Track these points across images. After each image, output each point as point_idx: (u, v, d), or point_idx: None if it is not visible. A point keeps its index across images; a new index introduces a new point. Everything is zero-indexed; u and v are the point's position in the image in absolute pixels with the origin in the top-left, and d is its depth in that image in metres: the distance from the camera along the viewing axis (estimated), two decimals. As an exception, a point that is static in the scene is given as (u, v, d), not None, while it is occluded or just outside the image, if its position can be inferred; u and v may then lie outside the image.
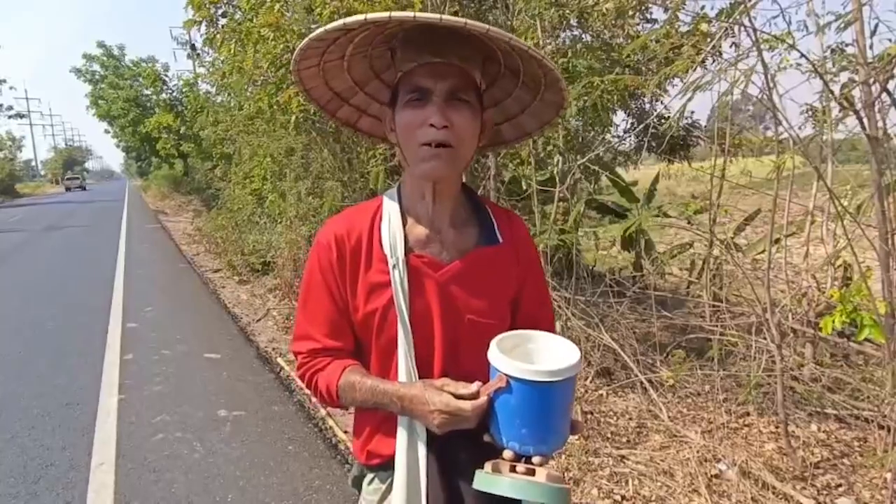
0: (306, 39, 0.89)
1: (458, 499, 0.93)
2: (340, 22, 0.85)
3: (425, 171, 0.92)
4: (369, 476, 1.05)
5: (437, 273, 0.96)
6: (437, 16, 0.83)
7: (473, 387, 0.87)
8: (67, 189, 47.54)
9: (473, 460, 0.88)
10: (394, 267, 0.94)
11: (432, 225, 0.99)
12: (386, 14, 0.83)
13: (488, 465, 0.84)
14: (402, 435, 0.94)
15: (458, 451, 0.93)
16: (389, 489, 0.99)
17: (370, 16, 0.83)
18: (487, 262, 1.00)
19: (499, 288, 1.01)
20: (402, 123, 0.93)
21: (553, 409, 0.83)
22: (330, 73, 1.01)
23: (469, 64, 0.92)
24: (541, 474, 0.81)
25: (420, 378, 0.94)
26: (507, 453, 0.84)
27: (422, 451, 0.93)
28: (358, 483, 1.08)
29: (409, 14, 0.83)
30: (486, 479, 0.82)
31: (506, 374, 0.82)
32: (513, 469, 0.83)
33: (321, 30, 0.86)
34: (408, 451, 0.93)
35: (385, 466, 1.00)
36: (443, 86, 0.90)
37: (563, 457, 2.49)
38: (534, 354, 0.89)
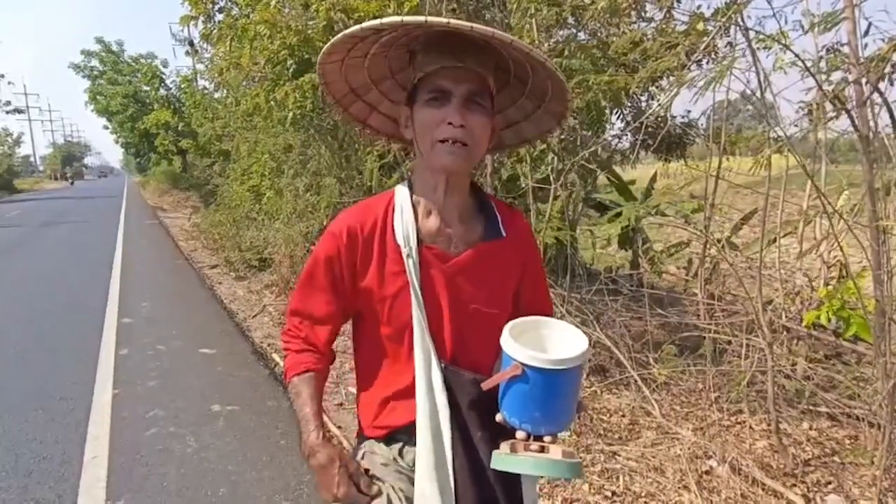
0: (339, 35, 0.95)
1: (480, 470, 0.98)
2: (378, 21, 0.91)
3: (443, 165, 0.98)
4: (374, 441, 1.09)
5: (445, 265, 1.02)
6: (469, 24, 0.88)
7: (375, 489, 0.98)
8: (99, 177, 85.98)
9: (487, 437, 0.97)
10: (408, 256, 1.00)
11: (442, 217, 1.04)
12: (422, 18, 0.90)
13: (504, 446, 0.88)
14: (422, 406, 0.99)
15: (476, 428, 0.99)
16: (405, 447, 1.05)
17: (406, 18, 0.90)
18: (492, 256, 1.05)
19: (502, 279, 1.07)
20: (421, 120, 0.98)
21: (564, 393, 0.88)
22: (350, 68, 1.07)
23: (485, 70, 0.98)
24: (555, 451, 0.86)
25: (436, 356, 1.00)
26: (521, 434, 0.88)
27: (444, 422, 0.98)
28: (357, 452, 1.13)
29: (443, 20, 0.89)
30: (504, 459, 0.87)
31: (521, 363, 0.85)
32: (527, 448, 0.87)
33: (356, 27, 0.92)
34: (430, 420, 0.98)
35: (397, 432, 1.06)
36: (462, 89, 0.96)
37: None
38: (545, 341, 0.93)
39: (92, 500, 2.38)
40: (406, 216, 1.03)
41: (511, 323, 0.93)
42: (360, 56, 1.04)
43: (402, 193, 1.06)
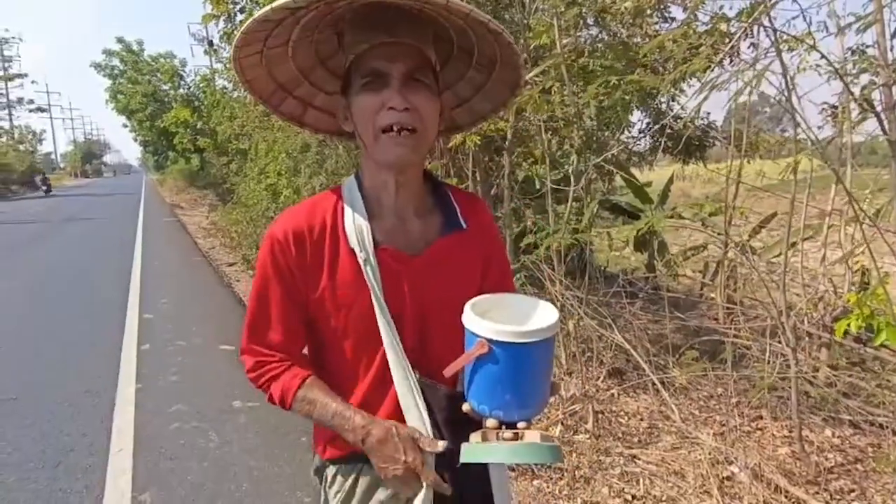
0: (249, 21, 0.82)
1: (454, 485, 0.90)
2: None
3: (390, 160, 0.88)
4: (331, 469, 1.02)
5: (404, 266, 0.93)
6: None
7: (441, 445, 0.86)
8: (126, 174, 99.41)
9: (455, 434, 0.86)
10: (365, 262, 0.90)
11: (397, 215, 0.95)
12: None
13: (475, 436, 0.79)
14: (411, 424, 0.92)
15: (451, 443, 0.90)
16: (354, 486, 0.98)
17: None
18: (453, 250, 0.97)
19: (465, 274, 1.00)
20: (358, 109, 0.88)
21: (536, 370, 0.79)
22: (273, 60, 0.95)
23: (422, 43, 0.88)
24: (532, 436, 0.77)
25: (410, 370, 0.92)
26: (491, 422, 0.79)
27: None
28: (319, 473, 1.07)
29: None
30: (474, 450, 0.77)
31: (486, 339, 0.76)
32: (500, 436, 0.78)
33: (267, 8, 0.79)
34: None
35: (346, 460, 0.98)
36: (399, 67, 0.85)
37: (574, 455, 2.50)
38: (510, 316, 0.83)
39: (118, 491, 2.43)
40: (358, 216, 0.92)
41: (473, 300, 0.83)
42: (282, 44, 0.92)
43: (350, 190, 0.95)
